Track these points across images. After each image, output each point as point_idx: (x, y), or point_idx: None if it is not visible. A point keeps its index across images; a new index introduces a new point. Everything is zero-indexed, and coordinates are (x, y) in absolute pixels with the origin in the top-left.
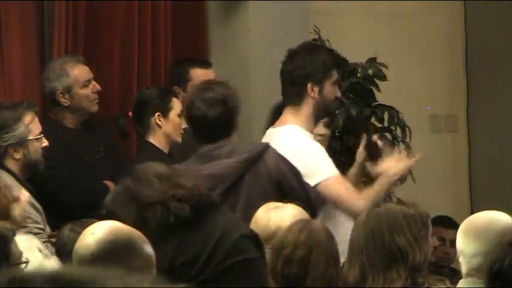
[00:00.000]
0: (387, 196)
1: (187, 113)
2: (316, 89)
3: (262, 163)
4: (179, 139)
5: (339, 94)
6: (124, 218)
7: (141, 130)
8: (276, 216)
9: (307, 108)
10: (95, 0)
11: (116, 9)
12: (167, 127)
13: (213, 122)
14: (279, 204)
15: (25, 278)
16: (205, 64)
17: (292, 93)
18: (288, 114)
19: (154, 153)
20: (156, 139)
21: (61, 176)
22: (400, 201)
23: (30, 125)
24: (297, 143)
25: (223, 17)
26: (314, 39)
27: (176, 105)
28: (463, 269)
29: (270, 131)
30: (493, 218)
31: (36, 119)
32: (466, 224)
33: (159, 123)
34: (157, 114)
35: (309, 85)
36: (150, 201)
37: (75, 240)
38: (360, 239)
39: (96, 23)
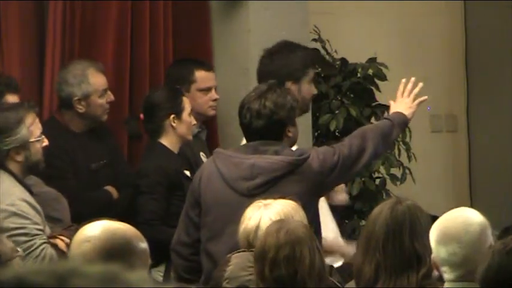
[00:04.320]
0: (387, 194)
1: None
2: (295, 87)
3: (307, 166)
4: (191, 137)
5: (314, 91)
6: None
7: (152, 132)
8: (258, 215)
9: None
10: (91, 0)
11: (112, 9)
12: (181, 128)
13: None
14: (268, 201)
15: None
16: (209, 66)
17: None
18: None
19: (164, 153)
20: (168, 140)
21: (70, 187)
22: (398, 199)
23: (32, 127)
24: None
25: (223, 17)
26: (314, 39)
27: (187, 104)
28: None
29: None
30: (463, 225)
31: (37, 120)
32: (438, 231)
33: (174, 125)
34: (172, 116)
35: (288, 84)
36: None
37: None
38: (380, 236)
39: (92, 23)
